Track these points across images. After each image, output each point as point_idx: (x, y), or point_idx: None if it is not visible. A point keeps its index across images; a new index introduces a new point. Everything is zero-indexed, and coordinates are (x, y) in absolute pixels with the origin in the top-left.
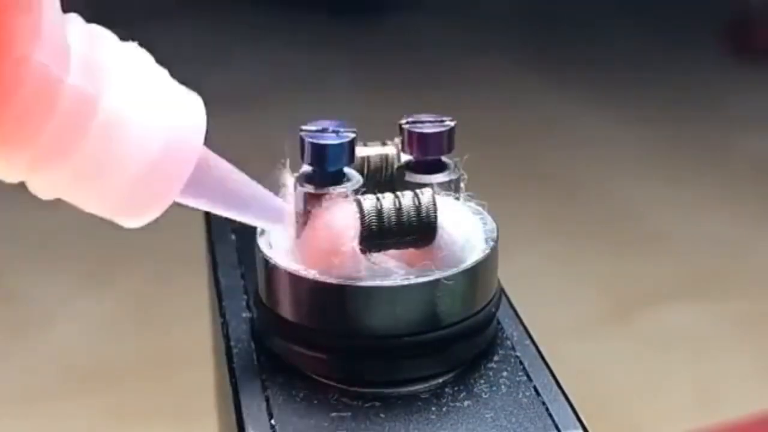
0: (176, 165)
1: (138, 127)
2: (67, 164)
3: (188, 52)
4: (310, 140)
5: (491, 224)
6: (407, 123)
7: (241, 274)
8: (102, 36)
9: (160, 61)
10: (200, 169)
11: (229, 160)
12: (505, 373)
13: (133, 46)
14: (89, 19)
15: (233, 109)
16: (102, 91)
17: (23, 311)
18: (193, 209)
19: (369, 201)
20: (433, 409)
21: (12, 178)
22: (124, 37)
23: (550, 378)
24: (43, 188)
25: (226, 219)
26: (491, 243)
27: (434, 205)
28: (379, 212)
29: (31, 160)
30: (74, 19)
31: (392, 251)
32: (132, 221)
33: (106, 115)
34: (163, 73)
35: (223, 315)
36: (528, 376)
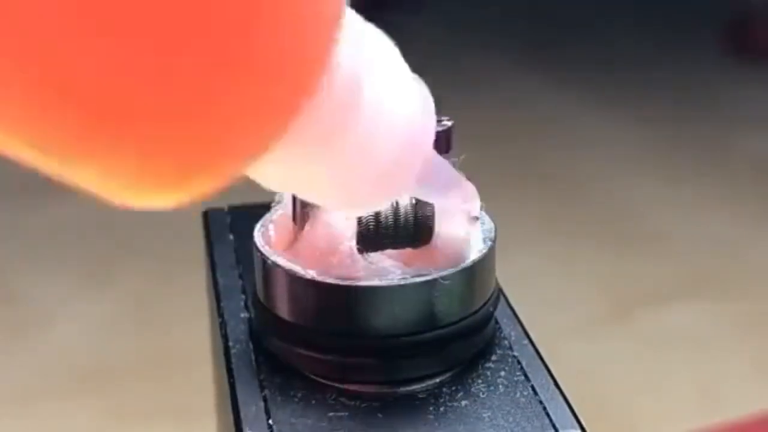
0: (415, 155)
1: (391, 113)
2: (326, 152)
3: None
4: None
5: (489, 224)
6: None
7: (239, 274)
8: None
9: None
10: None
11: None
12: (503, 373)
13: (376, 31)
14: None
15: None
16: (364, 73)
17: (23, 311)
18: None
19: None
20: (431, 408)
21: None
22: None
23: (548, 378)
24: (280, 178)
25: (225, 220)
26: (489, 243)
27: (431, 205)
28: (377, 212)
29: (294, 145)
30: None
31: (389, 251)
32: (360, 211)
33: (368, 98)
34: (399, 56)
35: (221, 315)
36: (526, 375)
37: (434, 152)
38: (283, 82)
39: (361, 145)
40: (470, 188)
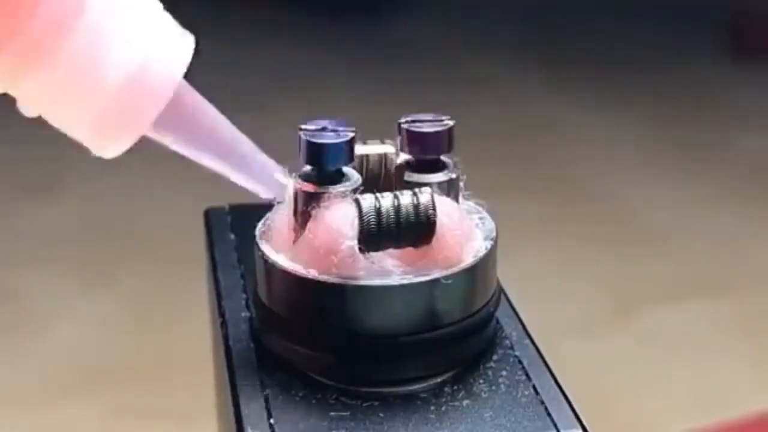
0: (151, 91)
1: (120, 41)
2: (47, 69)
3: None
4: (309, 139)
5: (490, 223)
6: (406, 122)
7: (240, 274)
8: None
9: None
10: (177, 105)
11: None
12: (504, 373)
13: None
14: None
15: (233, 109)
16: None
17: (23, 311)
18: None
19: (368, 200)
20: (432, 408)
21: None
22: None
23: (549, 377)
24: (26, 99)
25: (225, 219)
26: (490, 242)
27: (433, 204)
28: (378, 212)
29: (13, 63)
30: None
31: (391, 250)
32: (103, 149)
33: (90, 19)
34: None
35: (222, 314)
36: (527, 375)
37: (219, 120)
38: None
39: (79, 64)
40: (281, 183)
